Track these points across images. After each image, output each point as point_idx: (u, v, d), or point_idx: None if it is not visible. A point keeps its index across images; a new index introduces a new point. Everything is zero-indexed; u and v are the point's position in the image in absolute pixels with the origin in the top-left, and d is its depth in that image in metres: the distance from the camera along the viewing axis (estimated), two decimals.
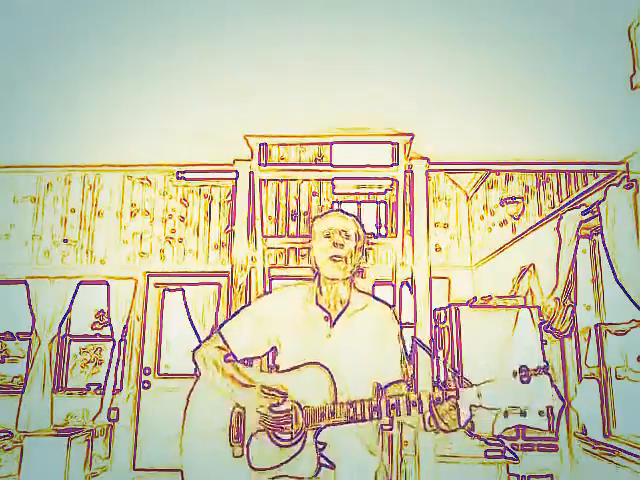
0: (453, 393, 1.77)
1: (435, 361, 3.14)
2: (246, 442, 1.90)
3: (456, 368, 3.65)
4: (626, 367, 3.33)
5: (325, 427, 1.86)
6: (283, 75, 2.79)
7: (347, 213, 2.14)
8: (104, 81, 2.84)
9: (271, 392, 1.90)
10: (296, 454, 1.86)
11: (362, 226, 2.11)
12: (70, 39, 2.52)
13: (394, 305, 3.57)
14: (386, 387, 1.94)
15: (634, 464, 2.97)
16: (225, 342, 2.04)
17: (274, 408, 1.87)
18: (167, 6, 2.33)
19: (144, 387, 4.93)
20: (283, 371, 1.97)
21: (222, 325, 2.10)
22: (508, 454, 3.28)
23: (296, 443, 1.87)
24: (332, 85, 2.87)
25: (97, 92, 2.94)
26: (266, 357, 2.10)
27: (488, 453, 3.27)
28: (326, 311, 2.04)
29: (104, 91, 2.93)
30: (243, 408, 1.93)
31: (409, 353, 2.12)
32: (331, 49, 2.58)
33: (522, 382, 1.77)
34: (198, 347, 2.08)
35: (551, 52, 2.53)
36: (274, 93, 2.95)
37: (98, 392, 4.91)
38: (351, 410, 1.84)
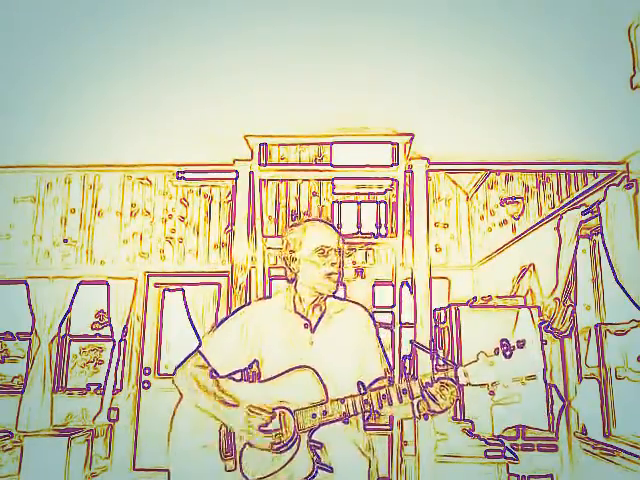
0: (441, 374, 1.84)
1: (434, 357, 3.16)
2: (238, 455, 1.91)
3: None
4: (626, 367, 3.33)
5: (319, 427, 1.88)
6: (283, 75, 2.79)
7: (327, 223, 2.17)
8: (104, 81, 2.84)
9: (257, 411, 1.91)
10: (291, 459, 1.87)
11: (342, 238, 2.15)
12: (70, 39, 2.52)
13: (393, 305, 3.58)
14: (370, 385, 1.97)
15: (634, 464, 2.97)
16: (206, 360, 2.05)
17: (262, 428, 1.89)
18: (167, 6, 2.33)
19: (144, 387, 4.94)
20: (270, 379, 1.98)
21: (200, 344, 2.10)
22: (508, 454, 3.28)
23: (290, 448, 1.88)
24: (332, 85, 2.87)
25: (97, 92, 2.94)
26: (249, 370, 2.10)
27: (488, 453, 3.27)
28: (305, 318, 2.06)
29: (104, 91, 2.93)
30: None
31: (386, 351, 2.17)
32: (331, 49, 2.58)
33: (505, 357, 1.80)
34: (178, 366, 2.10)
35: (551, 52, 2.53)
36: (274, 93, 2.95)
37: (98, 392, 4.91)
38: (343, 406, 1.87)
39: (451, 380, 1.83)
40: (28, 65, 2.71)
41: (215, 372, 2.03)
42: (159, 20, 2.41)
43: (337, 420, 1.88)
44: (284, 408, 1.92)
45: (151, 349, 5.00)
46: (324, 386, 1.91)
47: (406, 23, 2.42)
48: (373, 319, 2.15)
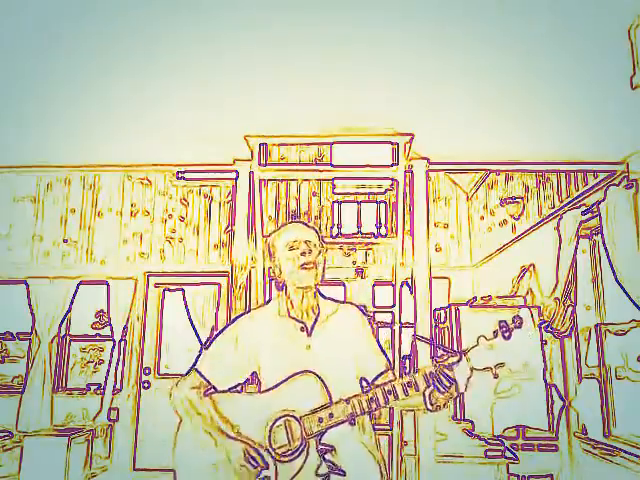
0: (445, 362, 1.84)
1: (436, 348, 3.17)
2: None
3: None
4: (626, 367, 3.33)
5: (327, 431, 1.86)
6: (283, 75, 2.79)
7: (302, 222, 2.19)
8: (104, 81, 2.84)
9: (254, 455, 1.88)
10: (302, 467, 1.85)
11: (320, 235, 2.16)
12: (70, 39, 2.52)
13: (393, 305, 3.58)
14: (374, 380, 1.98)
15: (634, 464, 2.97)
16: (203, 377, 2.02)
17: (257, 474, 1.87)
18: (167, 6, 2.33)
19: (144, 387, 4.93)
20: (270, 389, 1.95)
21: (196, 361, 2.07)
22: (508, 454, 3.28)
23: (300, 455, 1.86)
24: (332, 85, 2.87)
25: (97, 92, 2.94)
26: (248, 382, 2.08)
27: (488, 453, 3.27)
28: (300, 322, 2.05)
29: (104, 91, 2.93)
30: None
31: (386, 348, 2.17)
32: (331, 49, 2.58)
33: (505, 338, 1.82)
34: (174, 387, 2.08)
35: (551, 52, 2.53)
36: (274, 93, 2.95)
37: (98, 392, 4.91)
38: (349, 407, 1.86)
39: (448, 367, 1.84)
40: (28, 65, 2.71)
41: (214, 388, 2.00)
42: (159, 20, 2.41)
43: (344, 422, 1.87)
44: (289, 416, 1.89)
45: (151, 349, 5.00)
46: (327, 389, 1.90)
47: (406, 23, 2.42)
48: (366, 316, 2.15)
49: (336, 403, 1.87)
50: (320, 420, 1.86)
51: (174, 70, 2.74)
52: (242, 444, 1.90)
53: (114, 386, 4.87)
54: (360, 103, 3.06)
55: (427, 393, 1.85)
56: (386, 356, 2.09)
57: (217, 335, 2.10)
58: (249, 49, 2.59)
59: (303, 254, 2.03)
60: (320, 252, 2.10)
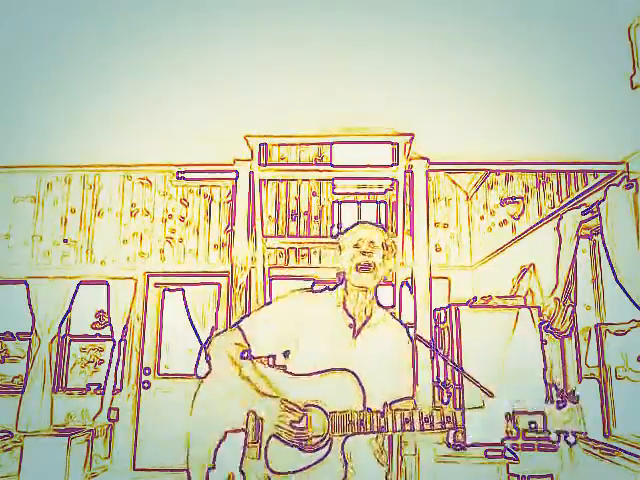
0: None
1: (436, 357, 3.15)
2: (264, 445, 1.87)
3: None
4: (626, 367, 3.33)
5: (353, 435, 1.84)
6: (283, 75, 2.79)
7: (373, 224, 2.23)
8: (104, 81, 2.84)
9: (292, 407, 1.86)
10: (321, 459, 1.83)
11: (388, 238, 2.19)
12: (70, 39, 2.52)
13: (394, 306, 3.58)
14: (392, 403, 1.94)
15: (634, 464, 2.97)
16: (244, 336, 2.01)
17: (295, 424, 1.84)
18: (167, 6, 2.33)
19: (144, 387, 4.93)
20: (307, 374, 1.93)
21: (241, 320, 2.07)
22: (508, 454, 3.28)
23: (322, 448, 1.84)
24: (332, 85, 2.87)
25: (97, 92, 2.94)
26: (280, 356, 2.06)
27: (488, 453, 3.27)
28: (352, 317, 2.06)
29: (104, 91, 2.93)
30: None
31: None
32: (331, 49, 2.58)
33: (559, 408, 1.89)
34: (216, 335, 2.06)
35: (551, 52, 2.53)
36: (274, 93, 2.95)
37: (98, 392, 4.91)
38: (382, 420, 1.83)
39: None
40: (28, 65, 2.71)
41: (249, 352, 1.99)
42: (159, 20, 2.41)
43: (372, 432, 1.84)
44: (317, 407, 1.87)
45: (151, 349, 5.00)
46: (364, 394, 1.87)
47: (406, 23, 2.42)
48: (411, 339, 2.14)
49: (370, 412, 1.85)
50: (350, 423, 1.84)
51: (174, 70, 2.74)
52: (279, 401, 1.88)
53: (114, 386, 4.87)
54: (360, 103, 3.06)
55: (451, 432, 1.85)
56: (414, 385, 2.07)
57: (268, 303, 2.12)
58: (249, 49, 2.58)
59: (363, 253, 2.08)
60: (384, 255, 2.11)
